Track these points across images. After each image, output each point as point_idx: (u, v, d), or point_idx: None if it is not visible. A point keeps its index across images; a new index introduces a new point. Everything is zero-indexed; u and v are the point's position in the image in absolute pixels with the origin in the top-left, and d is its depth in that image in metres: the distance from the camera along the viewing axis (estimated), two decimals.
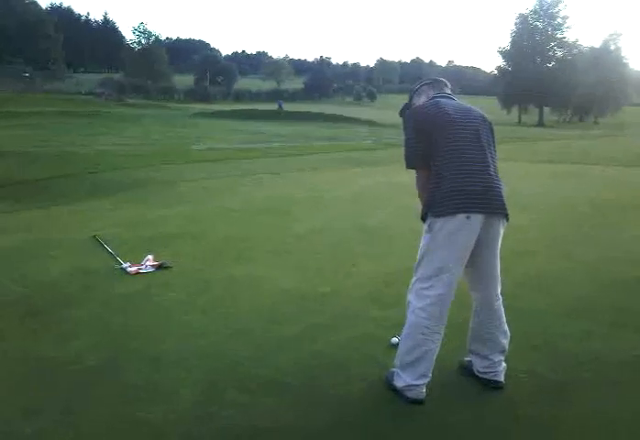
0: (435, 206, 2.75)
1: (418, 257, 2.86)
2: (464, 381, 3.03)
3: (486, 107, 3.91)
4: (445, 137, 2.78)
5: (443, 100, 2.95)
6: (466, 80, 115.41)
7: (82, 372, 3.10)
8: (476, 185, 2.72)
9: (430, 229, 2.79)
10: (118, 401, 2.80)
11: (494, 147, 2.95)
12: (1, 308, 4.05)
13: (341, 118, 37.77)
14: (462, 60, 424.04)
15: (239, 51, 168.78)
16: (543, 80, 54.69)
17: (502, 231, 2.86)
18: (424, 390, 2.80)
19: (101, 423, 2.62)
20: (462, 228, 2.69)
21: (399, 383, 2.83)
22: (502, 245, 2.91)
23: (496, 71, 64.85)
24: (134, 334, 3.62)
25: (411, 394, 2.79)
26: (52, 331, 3.66)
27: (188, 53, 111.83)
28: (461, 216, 2.68)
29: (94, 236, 5.97)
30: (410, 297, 2.86)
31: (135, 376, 3.06)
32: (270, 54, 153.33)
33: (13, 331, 3.66)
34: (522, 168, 12.49)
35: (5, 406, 2.77)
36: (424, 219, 2.86)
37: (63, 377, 3.05)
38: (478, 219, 2.70)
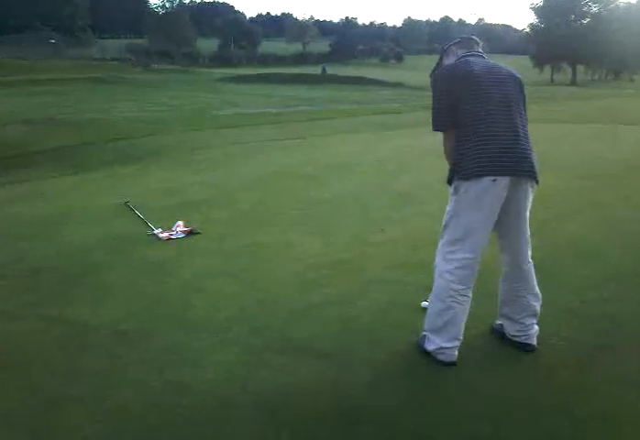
0: (461, 169, 2.70)
1: (444, 220, 2.82)
2: (496, 345, 3.02)
3: (517, 66, 3.77)
4: (472, 97, 2.70)
5: (472, 59, 2.85)
6: (496, 38, 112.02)
7: (117, 337, 3.17)
8: (503, 147, 2.65)
9: (456, 192, 2.74)
10: (153, 365, 2.86)
11: (524, 106, 2.85)
12: (37, 274, 4.15)
13: (368, 81, 37.23)
14: (493, 18, 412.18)
15: (264, 13, 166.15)
16: (577, 37, 52.73)
17: (530, 194, 2.79)
18: (456, 353, 2.80)
19: (137, 387, 2.68)
20: (488, 191, 2.64)
21: (430, 346, 2.83)
22: (536, 209, 2.84)
23: (528, 29, 62.88)
24: (166, 299, 3.68)
25: (443, 357, 2.79)
26: (86, 296, 3.74)
27: (212, 16, 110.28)
28: (487, 179, 2.62)
29: (126, 203, 6.04)
30: (437, 261, 2.84)
31: (168, 340, 3.12)
32: (295, 15, 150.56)
33: (49, 297, 3.75)
34: (555, 129, 12.16)
35: (47, 369, 2.86)
36: (450, 182, 2.81)
37: (99, 341, 3.13)
38: (504, 182, 2.64)
